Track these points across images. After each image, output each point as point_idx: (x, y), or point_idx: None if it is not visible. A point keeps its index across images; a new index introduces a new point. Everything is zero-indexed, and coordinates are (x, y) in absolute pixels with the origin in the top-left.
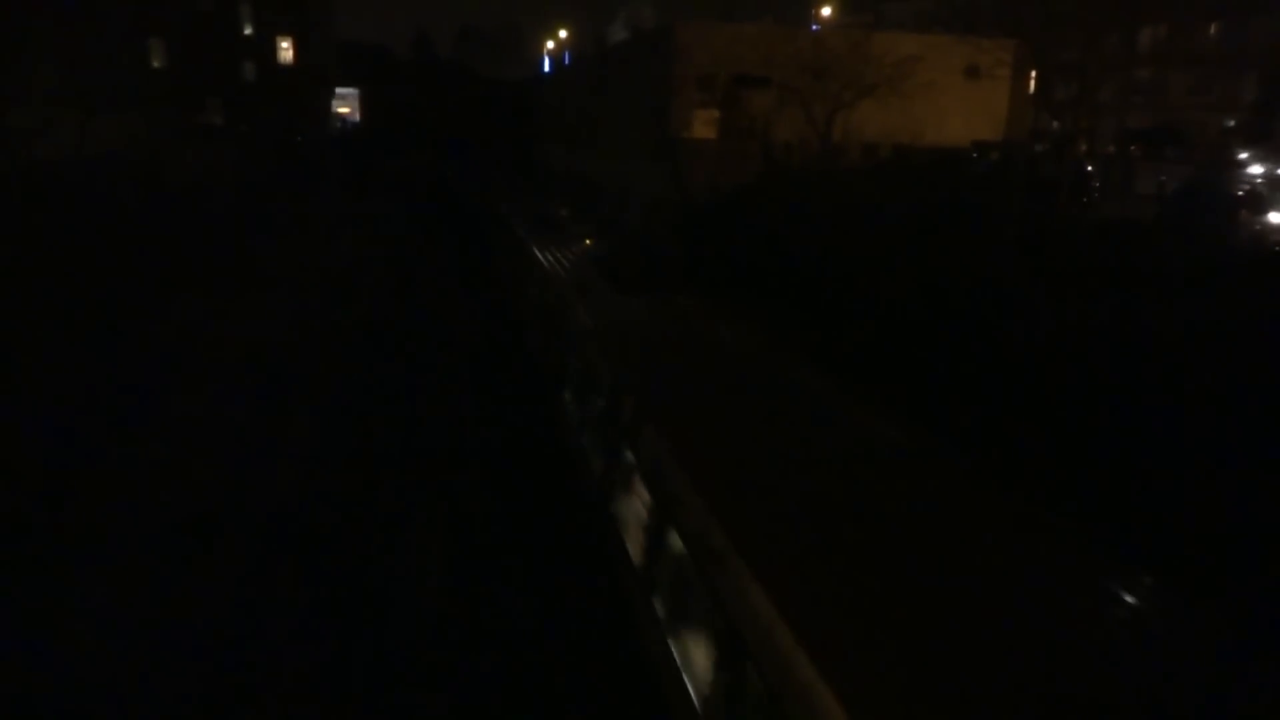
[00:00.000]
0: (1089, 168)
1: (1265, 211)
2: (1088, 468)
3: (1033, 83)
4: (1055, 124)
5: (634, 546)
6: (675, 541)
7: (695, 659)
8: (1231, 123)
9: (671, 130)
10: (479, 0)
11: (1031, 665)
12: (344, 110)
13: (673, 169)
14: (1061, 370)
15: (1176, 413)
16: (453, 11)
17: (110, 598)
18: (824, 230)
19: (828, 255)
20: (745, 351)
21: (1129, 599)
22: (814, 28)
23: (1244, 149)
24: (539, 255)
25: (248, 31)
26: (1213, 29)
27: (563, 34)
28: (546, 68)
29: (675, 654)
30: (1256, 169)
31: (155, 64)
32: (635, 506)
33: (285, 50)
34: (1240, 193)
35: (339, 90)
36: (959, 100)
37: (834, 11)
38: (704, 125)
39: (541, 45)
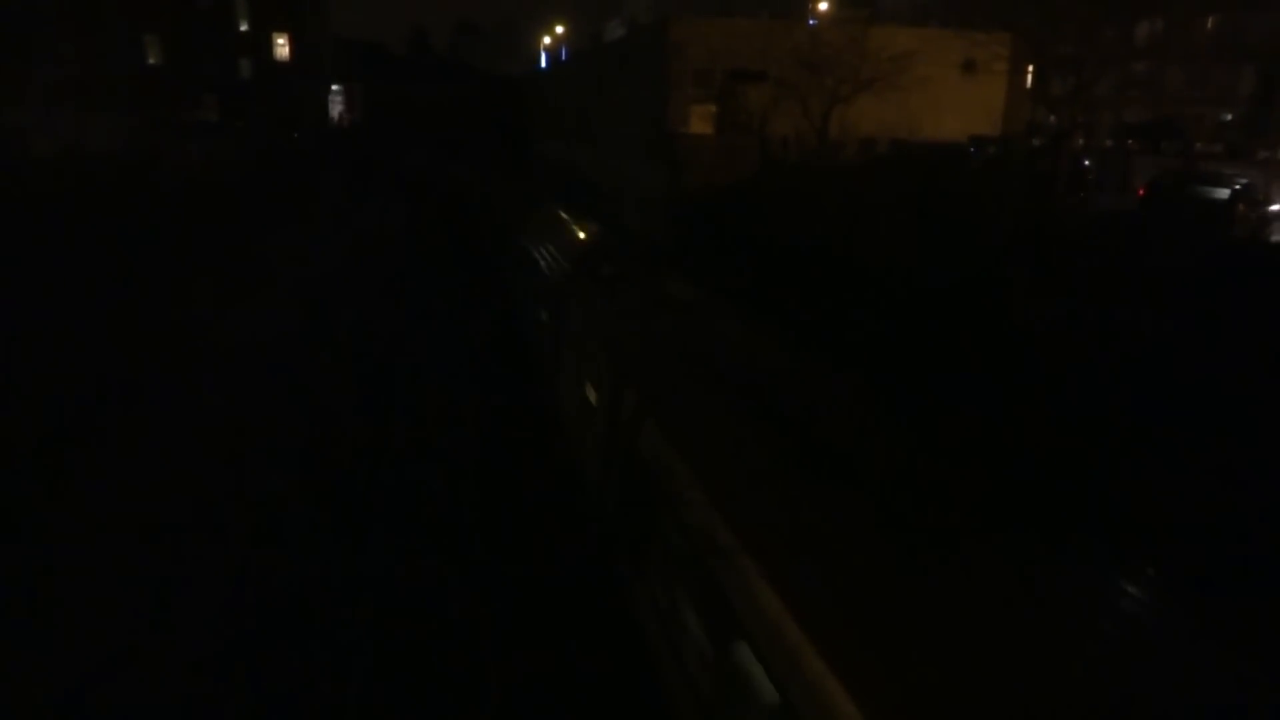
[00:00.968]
0: (1085, 162)
1: (1265, 205)
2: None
3: (1030, 77)
4: (1052, 118)
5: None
6: (676, 538)
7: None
8: (1229, 116)
9: (668, 125)
10: None
11: None
12: (340, 106)
13: (669, 164)
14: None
15: (1142, 402)
16: (449, 7)
17: None
18: (820, 224)
19: (822, 249)
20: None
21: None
22: (811, 22)
23: (1229, 163)
24: (536, 251)
25: (243, 28)
26: (1210, 23)
27: (559, 29)
28: (543, 64)
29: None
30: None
31: (151, 60)
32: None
33: (281, 46)
34: (1237, 187)
35: (335, 86)
36: (956, 95)
37: (830, 6)
38: (701, 120)
39: (538, 41)
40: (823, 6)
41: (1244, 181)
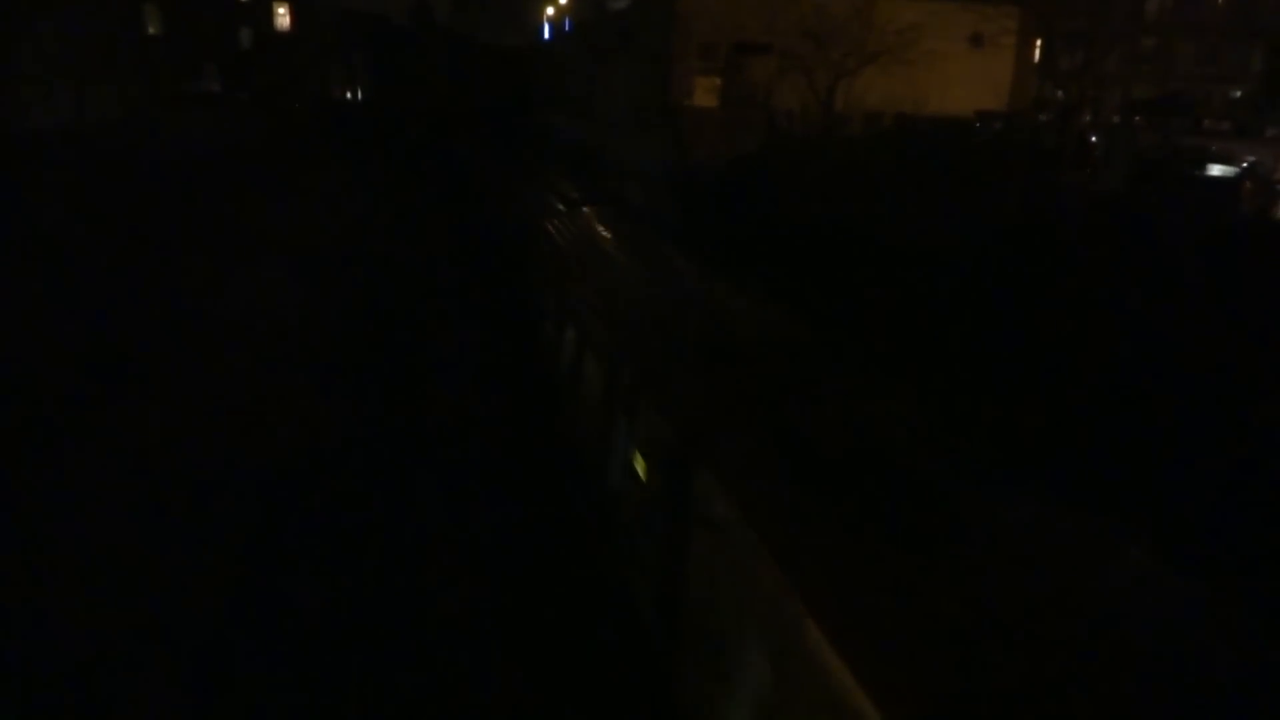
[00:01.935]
0: (1092, 138)
1: (1273, 183)
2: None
3: (1038, 51)
4: (1060, 93)
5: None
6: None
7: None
8: (1238, 94)
9: (672, 98)
10: None
11: None
12: (340, 76)
13: (673, 137)
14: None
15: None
16: None
17: None
18: (824, 197)
19: (825, 222)
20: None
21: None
22: None
23: (1237, 141)
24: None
25: None
26: None
27: (563, 0)
28: (547, 35)
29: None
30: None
31: (151, 30)
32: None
33: (282, 16)
34: (1244, 165)
35: (335, 57)
36: (963, 69)
37: None
38: (705, 93)
39: (542, 12)
40: None
41: (1251, 159)
